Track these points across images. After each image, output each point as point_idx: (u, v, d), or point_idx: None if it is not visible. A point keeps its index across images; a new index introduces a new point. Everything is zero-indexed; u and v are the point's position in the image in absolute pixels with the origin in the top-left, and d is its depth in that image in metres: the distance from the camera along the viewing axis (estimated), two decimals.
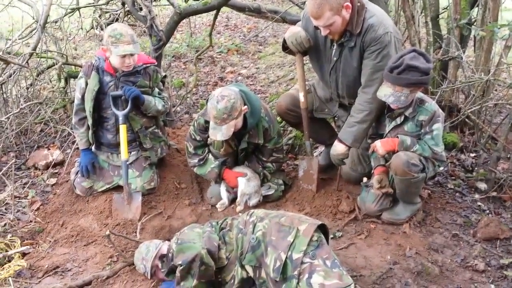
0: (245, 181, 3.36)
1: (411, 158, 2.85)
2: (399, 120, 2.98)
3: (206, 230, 2.58)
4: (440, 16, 4.54)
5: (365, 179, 3.28)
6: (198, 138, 3.38)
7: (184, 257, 2.41)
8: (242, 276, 2.43)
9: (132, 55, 3.24)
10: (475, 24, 3.79)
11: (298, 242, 2.29)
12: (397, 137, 2.95)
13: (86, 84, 3.38)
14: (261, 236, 2.40)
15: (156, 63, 3.61)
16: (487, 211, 3.26)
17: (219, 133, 3.04)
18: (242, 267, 2.43)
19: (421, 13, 3.96)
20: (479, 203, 3.32)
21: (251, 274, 2.42)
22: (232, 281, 2.47)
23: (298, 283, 2.22)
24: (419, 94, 2.92)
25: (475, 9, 3.90)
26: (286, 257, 2.27)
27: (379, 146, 2.97)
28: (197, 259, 2.39)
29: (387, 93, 2.79)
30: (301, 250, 2.26)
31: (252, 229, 2.46)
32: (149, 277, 2.64)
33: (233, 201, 3.45)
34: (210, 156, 3.45)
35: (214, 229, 2.61)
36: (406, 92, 2.76)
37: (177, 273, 2.42)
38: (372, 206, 3.13)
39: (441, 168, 3.56)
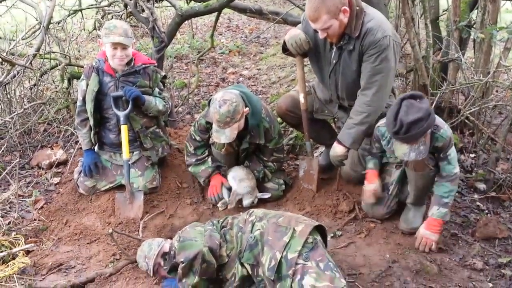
0: (237, 181, 3.39)
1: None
2: None
3: (208, 229, 2.61)
4: (440, 19, 4.58)
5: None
6: (198, 138, 3.42)
7: (186, 254, 2.45)
8: (243, 274, 2.47)
9: (124, 48, 3.27)
10: (474, 26, 3.82)
11: (294, 243, 2.32)
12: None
13: (87, 85, 3.42)
14: (258, 236, 2.44)
15: (155, 64, 3.64)
16: (486, 211, 3.29)
17: (223, 136, 3.07)
18: (242, 264, 2.47)
19: (421, 15, 3.99)
20: (478, 203, 3.36)
21: (249, 271, 2.46)
22: (233, 278, 2.49)
23: (292, 282, 2.25)
24: None
25: (475, 12, 3.92)
26: (281, 257, 2.30)
27: (436, 238, 2.85)
28: (199, 257, 2.43)
29: (405, 151, 2.63)
30: (296, 250, 2.29)
31: (250, 228, 2.49)
32: (151, 275, 2.67)
33: None
34: (209, 159, 3.49)
35: (215, 228, 2.64)
36: (421, 140, 2.61)
37: (179, 270, 2.45)
38: (381, 209, 3.13)
39: None
